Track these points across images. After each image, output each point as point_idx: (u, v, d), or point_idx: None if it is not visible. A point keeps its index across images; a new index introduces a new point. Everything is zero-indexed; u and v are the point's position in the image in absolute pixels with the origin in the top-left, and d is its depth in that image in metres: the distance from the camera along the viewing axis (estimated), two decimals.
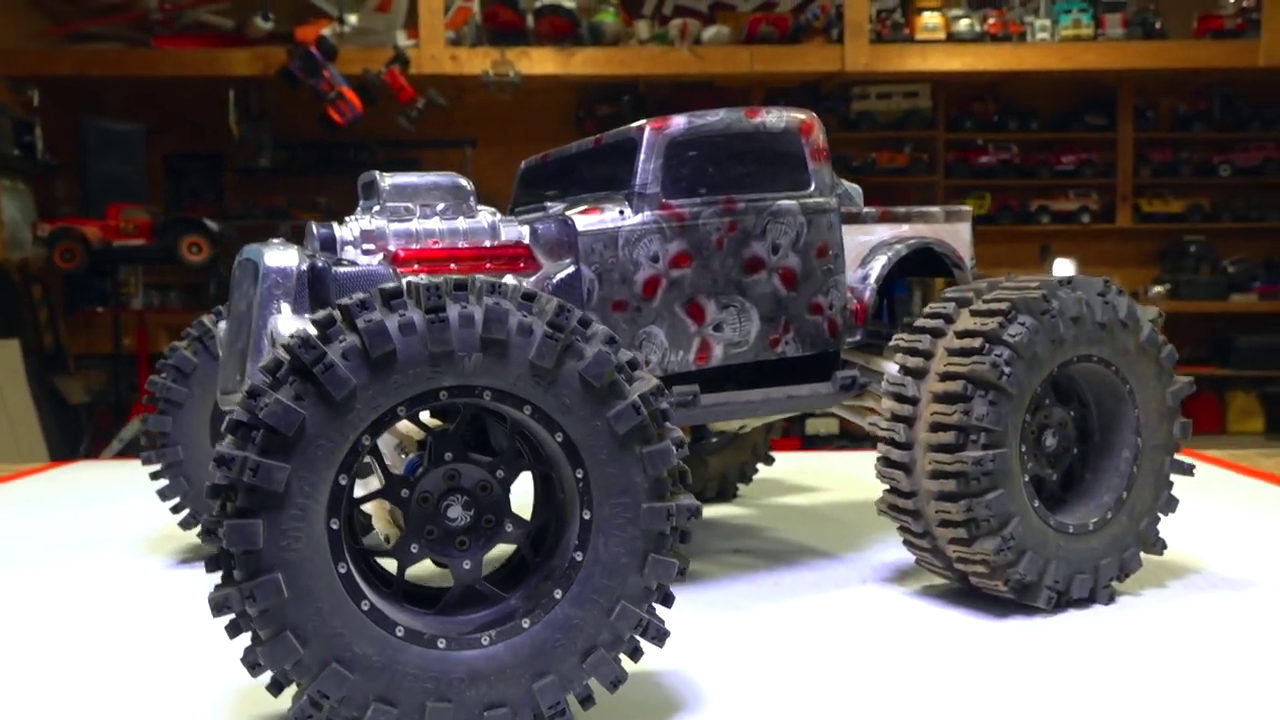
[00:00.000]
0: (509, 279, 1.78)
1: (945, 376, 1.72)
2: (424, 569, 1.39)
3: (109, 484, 3.16)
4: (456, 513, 1.33)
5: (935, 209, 2.14)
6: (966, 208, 2.16)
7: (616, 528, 1.31)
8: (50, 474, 3.42)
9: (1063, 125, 8.91)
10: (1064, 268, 9.18)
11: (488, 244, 1.83)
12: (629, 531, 1.31)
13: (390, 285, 1.27)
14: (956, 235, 2.14)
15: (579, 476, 1.30)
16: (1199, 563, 1.99)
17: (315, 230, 1.76)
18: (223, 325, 1.88)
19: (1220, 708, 1.39)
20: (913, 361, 1.78)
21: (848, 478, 2.87)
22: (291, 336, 1.23)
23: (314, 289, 1.64)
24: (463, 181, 1.87)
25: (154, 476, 2.10)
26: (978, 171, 8.87)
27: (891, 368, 2.02)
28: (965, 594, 1.82)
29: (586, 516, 1.31)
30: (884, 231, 2.06)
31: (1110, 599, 1.80)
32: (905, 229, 2.08)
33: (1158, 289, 8.78)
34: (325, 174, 8.91)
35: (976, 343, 1.71)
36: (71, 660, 1.64)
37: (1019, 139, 8.82)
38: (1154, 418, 1.85)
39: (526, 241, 1.86)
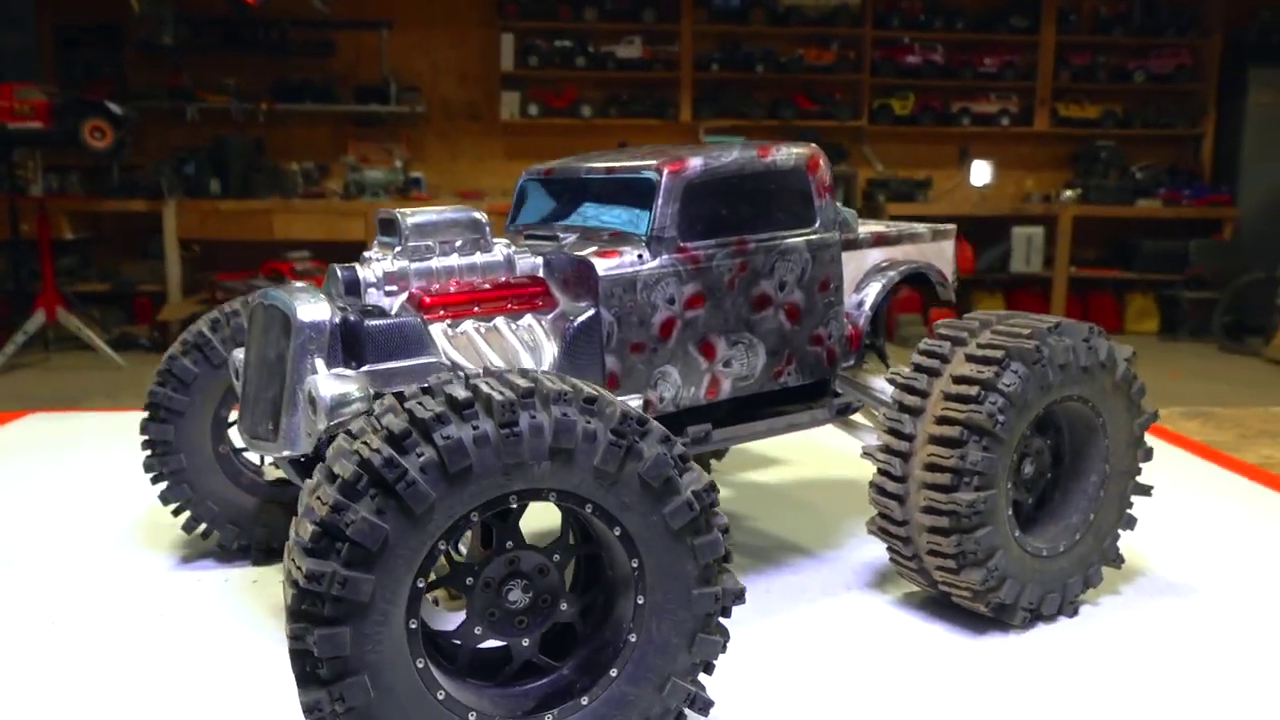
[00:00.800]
0: (529, 319, 1.85)
1: (943, 420, 1.85)
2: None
3: (68, 441, 3.15)
4: (516, 596, 1.43)
5: (922, 229, 2.24)
6: (951, 227, 2.27)
7: (668, 611, 1.43)
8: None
9: (988, 26, 9.01)
10: (981, 171, 9.41)
11: (504, 278, 1.88)
12: (680, 615, 1.43)
13: (461, 394, 1.32)
14: (941, 254, 2.25)
15: (634, 565, 1.41)
16: (1146, 565, 2.20)
17: (339, 273, 1.79)
18: (238, 356, 1.90)
19: (1182, 710, 1.60)
20: (910, 400, 1.91)
21: (819, 449, 2.99)
22: (343, 405, 1.29)
23: (347, 341, 1.68)
24: (478, 216, 1.90)
25: (156, 482, 2.14)
26: (903, 71, 8.96)
27: (878, 382, 2.16)
28: (945, 604, 1.99)
29: (640, 601, 1.42)
30: (876, 254, 2.16)
31: (1074, 612, 1.99)
32: (897, 252, 2.18)
33: (1069, 193, 9.09)
34: (233, 54, 8.57)
35: (973, 390, 1.83)
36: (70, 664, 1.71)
37: (944, 38, 8.90)
38: (1122, 446, 2.02)
39: (541, 274, 1.91)
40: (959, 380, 1.87)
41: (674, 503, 1.39)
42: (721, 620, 1.46)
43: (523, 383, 1.36)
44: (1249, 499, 2.65)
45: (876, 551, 2.18)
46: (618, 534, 1.40)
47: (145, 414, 2.12)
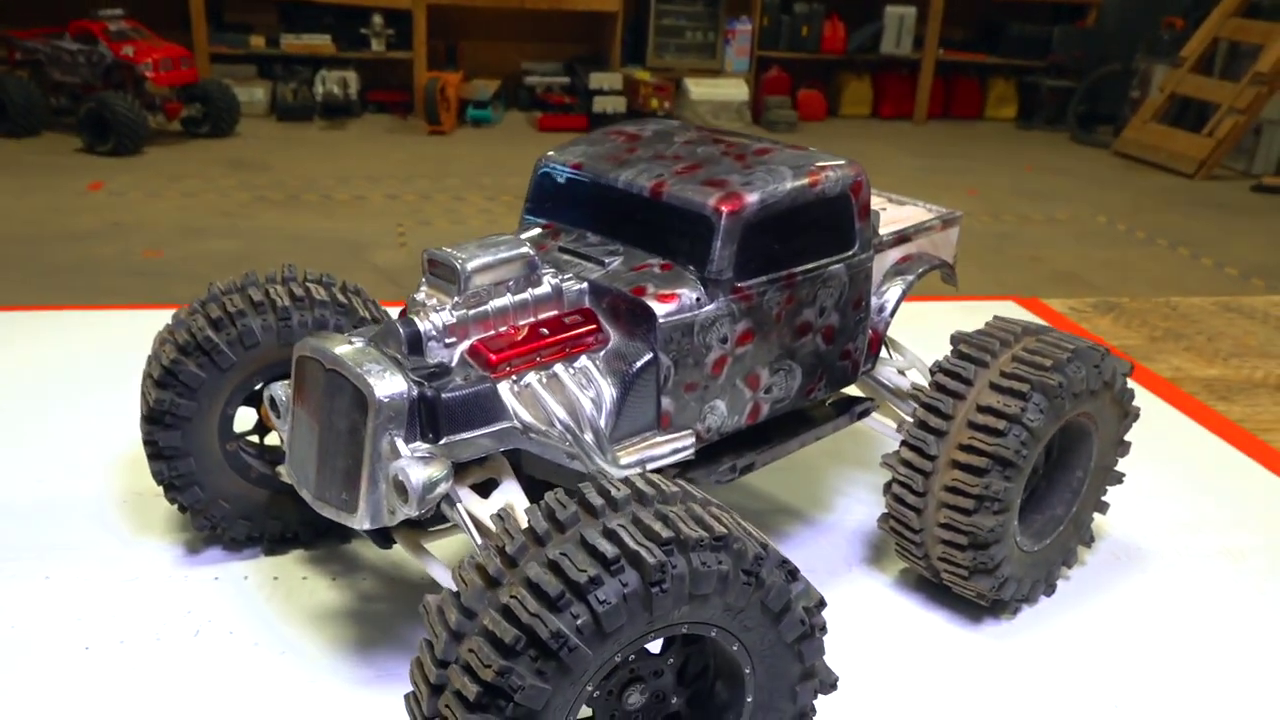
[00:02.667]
0: (584, 360, 1.91)
1: (968, 449, 2.04)
2: None
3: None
4: (635, 699, 1.58)
5: (933, 218, 2.34)
6: (958, 213, 2.37)
7: (774, 707, 1.61)
8: None
9: None
10: None
11: (555, 311, 1.91)
12: (784, 708, 1.62)
13: (607, 549, 1.41)
14: (947, 241, 2.37)
15: (748, 671, 1.58)
16: (1100, 525, 2.52)
17: (402, 332, 1.78)
18: (279, 393, 1.89)
19: (1162, 677, 1.97)
20: (934, 421, 2.08)
21: None
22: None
23: (424, 414, 1.71)
24: (529, 251, 1.89)
25: (168, 489, 2.13)
26: None
27: (889, 373, 2.32)
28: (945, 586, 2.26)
29: (750, 699, 1.60)
30: (894, 254, 2.26)
31: (1051, 591, 2.29)
32: (912, 248, 2.28)
33: None
34: None
35: (1000, 425, 2.01)
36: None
37: None
38: (1108, 446, 2.27)
39: (588, 303, 1.95)
40: (984, 410, 2.04)
41: (788, 619, 1.55)
42: (814, 704, 1.66)
43: (660, 528, 1.45)
44: (1175, 432, 3.00)
45: (866, 515, 2.42)
46: (735, 649, 1.55)
47: (147, 418, 2.08)
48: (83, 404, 2.85)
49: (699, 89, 8.46)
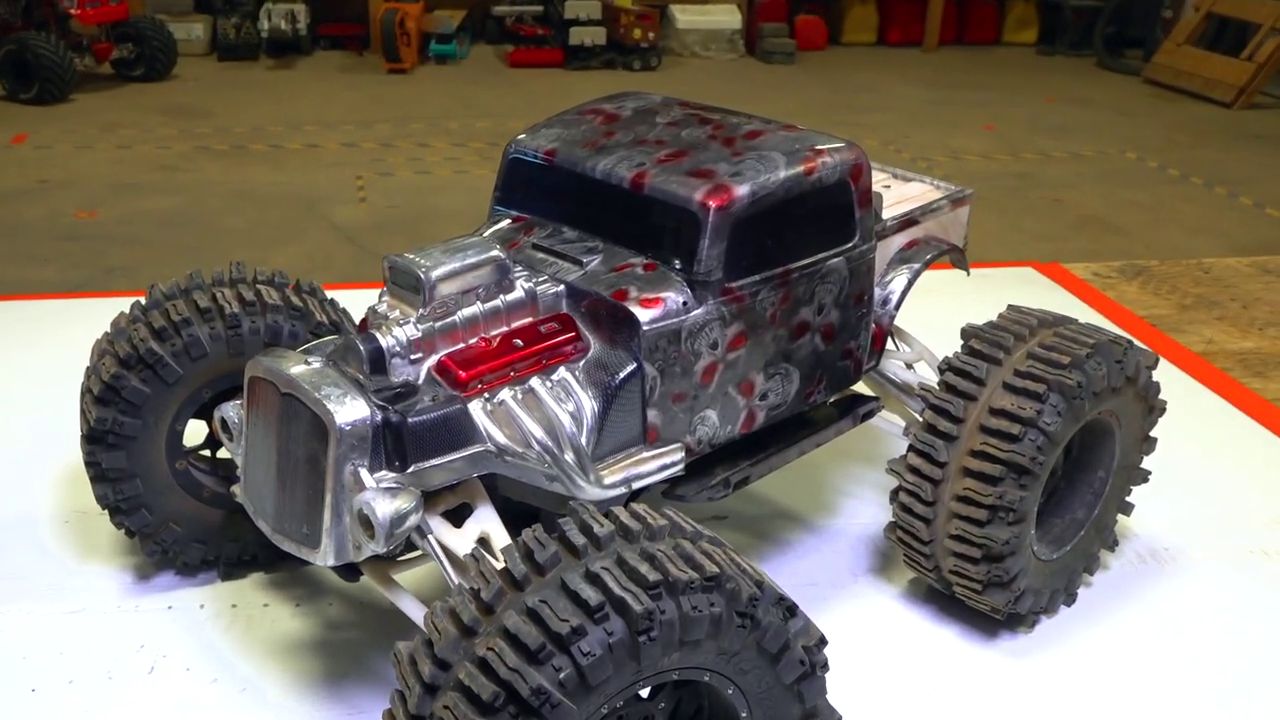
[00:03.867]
0: (562, 371, 1.93)
1: (981, 455, 2.07)
2: None
3: None
4: None
5: (941, 198, 2.36)
6: (969, 191, 2.39)
7: None
8: None
9: None
10: None
11: (529, 318, 1.93)
12: None
13: (591, 595, 1.44)
14: (957, 222, 2.39)
15: (744, 715, 1.62)
16: (1123, 526, 2.57)
17: (362, 350, 1.79)
18: (230, 414, 1.91)
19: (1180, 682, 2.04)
20: (944, 425, 2.11)
21: None
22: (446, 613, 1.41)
23: (389, 440, 1.73)
24: (500, 255, 1.91)
25: (113, 513, 2.15)
26: None
27: (894, 366, 2.35)
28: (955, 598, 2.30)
29: None
30: (899, 239, 2.28)
31: (1072, 601, 2.34)
32: (919, 231, 2.30)
33: None
34: None
35: (1015, 429, 2.05)
36: None
37: None
38: (1132, 443, 2.30)
39: (565, 307, 1.96)
40: (997, 413, 2.07)
41: (787, 659, 1.59)
42: None
43: (647, 570, 1.48)
44: (1206, 415, 3.03)
45: (872, 519, 2.47)
46: (731, 692, 1.59)
47: (88, 437, 2.10)
48: (19, 409, 2.86)
49: (686, 16, 8.41)
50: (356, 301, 2.30)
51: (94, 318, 2.27)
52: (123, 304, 2.24)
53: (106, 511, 2.17)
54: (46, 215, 5.21)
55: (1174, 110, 7.58)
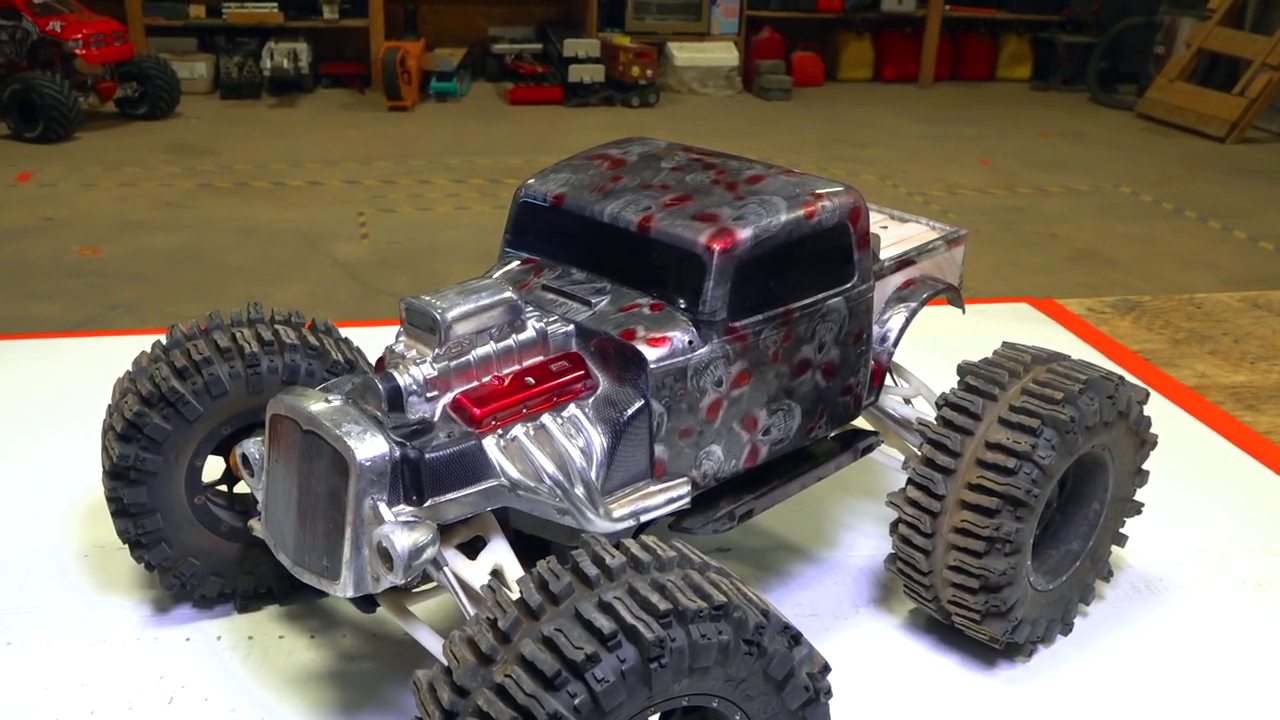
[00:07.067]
0: (572, 408, 2.01)
1: (978, 488, 2.15)
2: None
3: None
4: None
5: (937, 239, 2.44)
6: (963, 231, 2.48)
7: None
8: None
9: None
10: None
11: (540, 356, 2.01)
12: None
13: (604, 624, 1.51)
14: (952, 262, 2.48)
15: None
16: (1117, 557, 2.64)
17: (381, 388, 1.87)
18: (252, 451, 1.99)
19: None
20: (942, 459, 2.19)
21: None
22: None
23: (407, 475, 1.81)
24: (513, 297, 1.99)
25: (134, 546, 2.22)
26: None
27: (893, 402, 2.43)
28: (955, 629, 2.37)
29: None
30: (897, 279, 2.36)
31: (1069, 630, 2.41)
32: (915, 271, 2.39)
33: None
34: None
35: (1010, 463, 2.13)
36: None
37: None
38: (1125, 477, 2.38)
39: (575, 346, 2.04)
40: (993, 447, 2.15)
41: (792, 686, 1.66)
42: None
43: (657, 599, 1.56)
44: (1199, 448, 3.11)
45: (873, 550, 2.54)
46: (738, 718, 1.66)
47: (111, 473, 2.17)
48: (31, 447, 2.94)
49: (684, 54, 8.54)
50: (359, 339, 2.37)
51: (106, 353, 2.34)
52: (126, 342, 2.30)
53: (127, 546, 2.23)
54: (51, 253, 5.29)
55: (1168, 145, 7.70)
